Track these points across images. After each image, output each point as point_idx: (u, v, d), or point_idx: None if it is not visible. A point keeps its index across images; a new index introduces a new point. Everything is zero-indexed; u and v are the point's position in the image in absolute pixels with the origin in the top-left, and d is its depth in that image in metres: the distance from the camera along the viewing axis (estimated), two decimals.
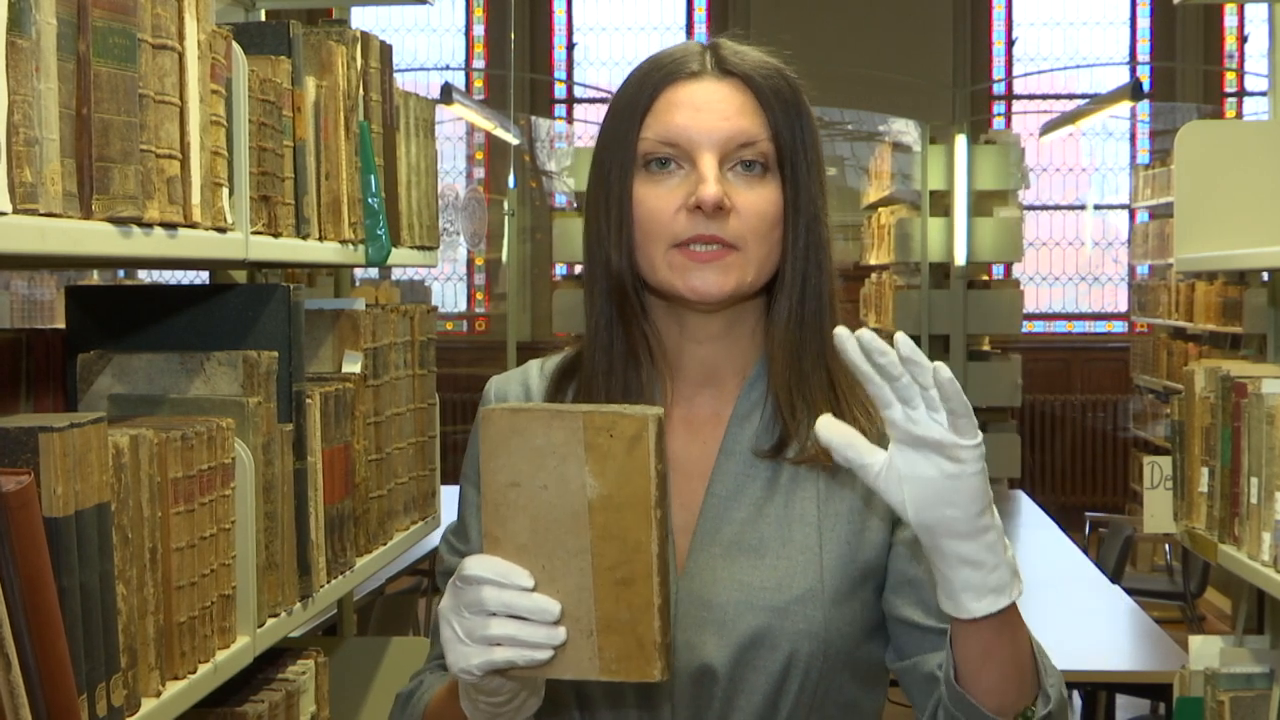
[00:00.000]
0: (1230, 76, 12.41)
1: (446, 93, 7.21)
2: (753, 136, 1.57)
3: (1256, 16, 11.71)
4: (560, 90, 12.79)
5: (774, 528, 1.59)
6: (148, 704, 1.57)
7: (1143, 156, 12.18)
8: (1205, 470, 2.99)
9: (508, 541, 1.36)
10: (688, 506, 1.62)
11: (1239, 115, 12.19)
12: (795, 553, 1.57)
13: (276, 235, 2.03)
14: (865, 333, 1.33)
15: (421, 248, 2.75)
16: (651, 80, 1.60)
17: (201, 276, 2.81)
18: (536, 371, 1.73)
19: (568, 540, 1.35)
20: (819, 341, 1.60)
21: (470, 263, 12.37)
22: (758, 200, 1.57)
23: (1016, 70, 12.29)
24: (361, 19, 12.90)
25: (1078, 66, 12.15)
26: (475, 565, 1.35)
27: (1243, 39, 12.21)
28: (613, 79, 12.27)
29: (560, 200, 11.61)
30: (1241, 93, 12.47)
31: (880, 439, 1.42)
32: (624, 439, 1.34)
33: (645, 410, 1.35)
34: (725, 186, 1.56)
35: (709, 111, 1.57)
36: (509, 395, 1.73)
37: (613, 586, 1.34)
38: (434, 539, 3.36)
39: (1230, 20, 12.18)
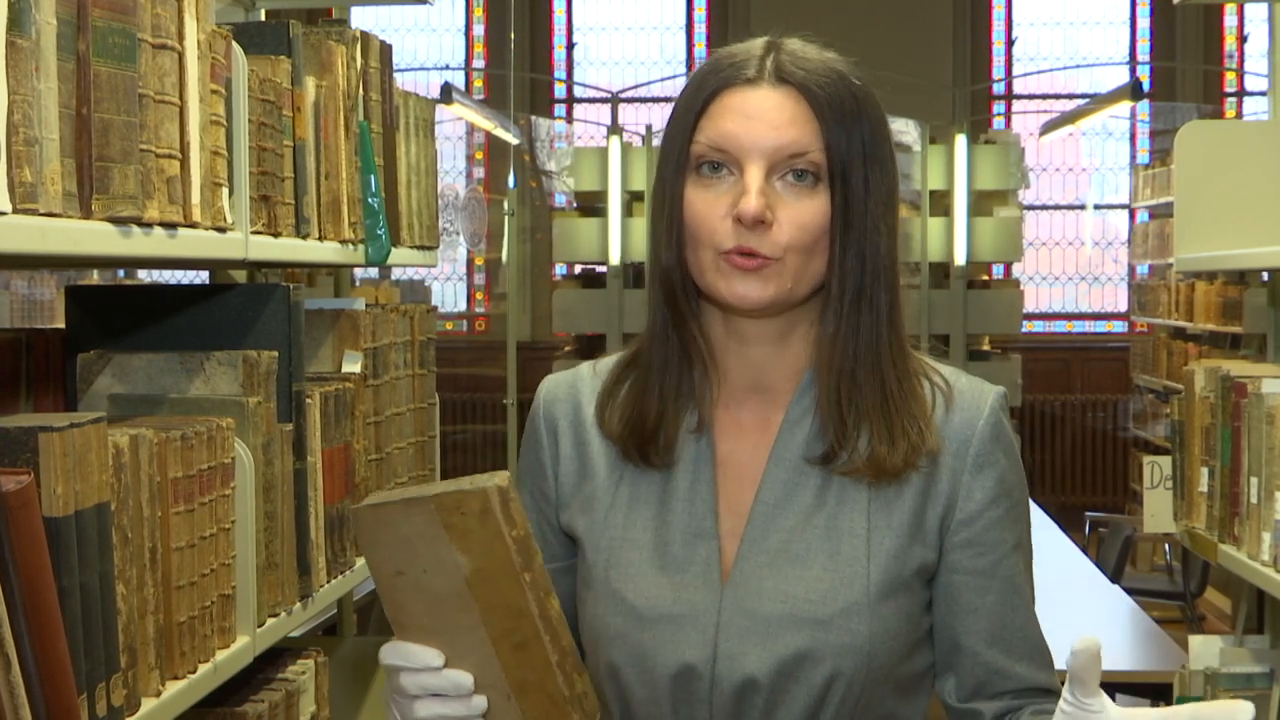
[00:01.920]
0: (1230, 76, 12.40)
1: (446, 92, 7.21)
2: (803, 147, 1.55)
3: (1256, 16, 11.70)
4: (560, 90, 12.78)
5: (821, 538, 1.57)
6: (148, 704, 1.57)
7: (1142, 156, 12.18)
8: (1205, 470, 2.99)
9: (412, 625, 1.42)
10: (736, 511, 1.60)
11: (1239, 115, 12.18)
12: (842, 565, 1.56)
13: (276, 235, 2.03)
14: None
15: (421, 247, 2.75)
16: (710, 83, 1.59)
17: (201, 276, 2.81)
18: (589, 372, 1.72)
19: (461, 616, 1.40)
20: (874, 353, 1.59)
21: (470, 262, 12.36)
22: (801, 212, 1.55)
23: (1016, 70, 12.28)
24: (361, 19, 12.89)
25: (1078, 66, 12.15)
26: (388, 654, 1.42)
27: (1242, 39, 12.21)
28: (613, 79, 12.27)
29: (560, 200, 11.60)
30: (1241, 93, 12.47)
31: (930, 457, 1.57)
32: (474, 514, 1.37)
33: (488, 481, 1.38)
34: (771, 197, 1.55)
35: (760, 120, 1.56)
36: (557, 399, 1.71)
37: (512, 651, 1.39)
38: None
39: (1230, 20, 12.17)
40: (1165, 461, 3.35)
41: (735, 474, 1.62)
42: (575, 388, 1.71)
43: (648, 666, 1.56)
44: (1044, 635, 1.67)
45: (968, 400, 1.62)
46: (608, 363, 1.72)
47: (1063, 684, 1.42)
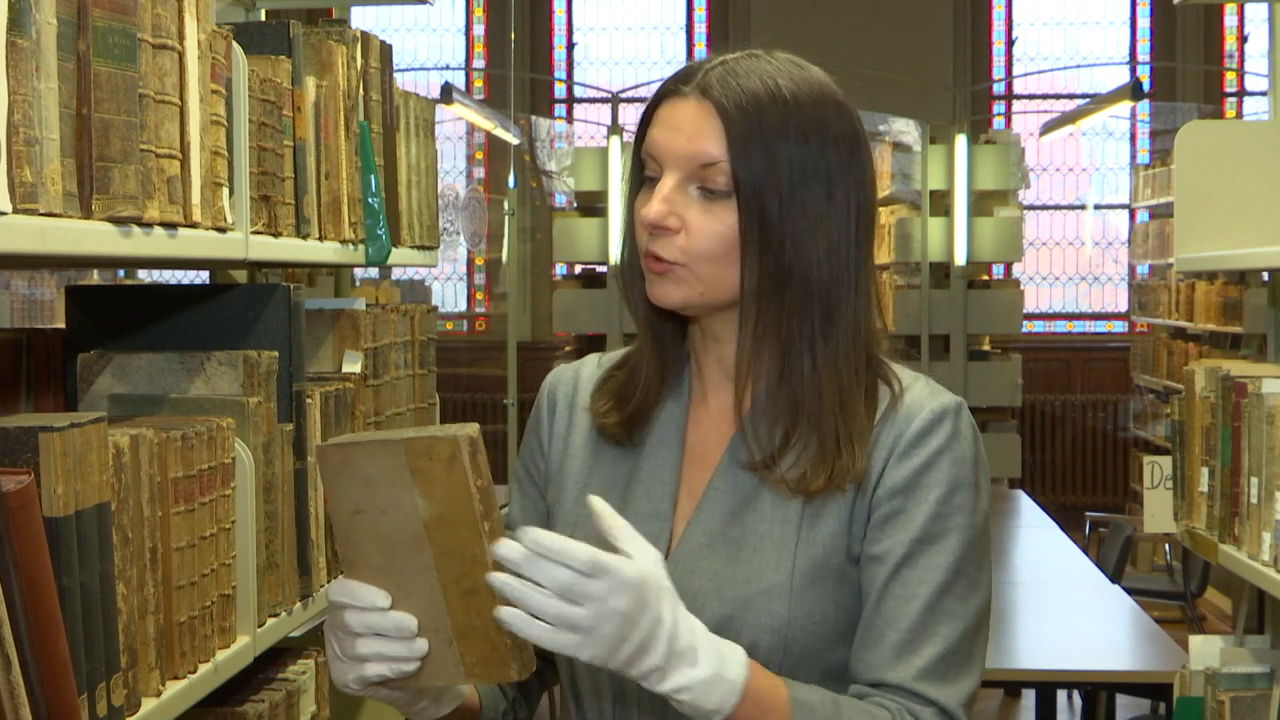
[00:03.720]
0: (1230, 76, 12.40)
1: (446, 92, 7.21)
2: (712, 158, 1.59)
3: (1257, 16, 11.71)
4: (560, 90, 12.78)
5: (758, 523, 1.62)
6: (148, 704, 1.57)
7: (1143, 156, 12.18)
8: (1205, 470, 2.99)
9: (363, 564, 1.45)
10: (693, 496, 1.67)
11: (1239, 115, 12.19)
12: (770, 548, 1.60)
13: (276, 235, 2.03)
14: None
15: (421, 247, 2.75)
16: (658, 93, 1.66)
17: (201, 276, 2.80)
18: (594, 363, 1.80)
19: (414, 558, 1.43)
20: (803, 369, 1.61)
21: (470, 262, 12.36)
22: (708, 222, 1.60)
23: (1017, 70, 12.28)
24: (361, 19, 12.89)
25: (1078, 66, 12.15)
26: (336, 591, 1.46)
27: (1243, 39, 12.21)
28: (613, 79, 12.27)
29: (560, 200, 11.60)
30: (1242, 92, 12.47)
31: (861, 476, 1.58)
32: (442, 461, 1.40)
33: (459, 431, 1.41)
34: (681, 204, 1.60)
35: (678, 130, 1.61)
36: (560, 382, 1.80)
37: (461, 597, 1.42)
38: None
39: (1230, 20, 12.17)
40: (1165, 461, 3.35)
41: (700, 460, 1.68)
42: (578, 374, 1.80)
43: None
44: (949, 652, 1.59)
45: (913, 401, 1.63)
46: (613, 355, 1.79)
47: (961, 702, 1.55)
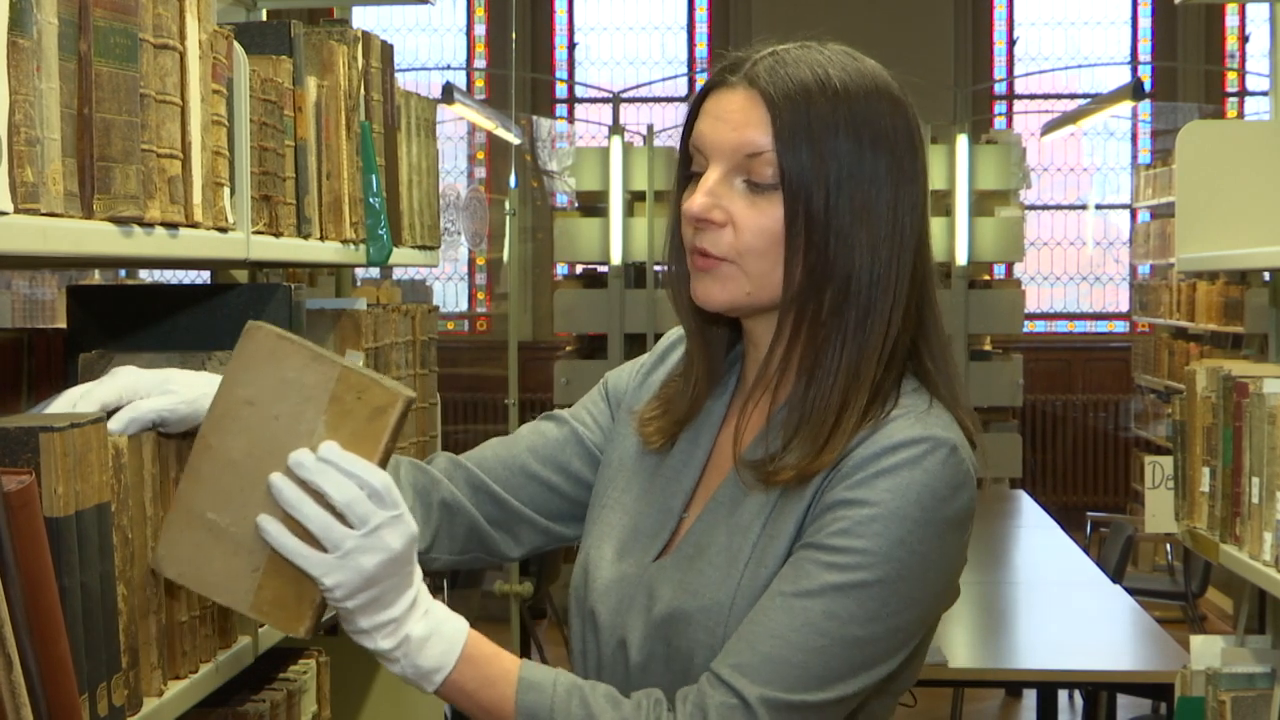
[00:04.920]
0: (1231, 76, 12.40)
1: (448, 92, 7.21)
2: (758, 148, 1.54)
3: (1258, 16, 11.70)
4: (561, 90, 12.78)
5: (724, 535, 1.59)
6: (149, 704, 1.56)
7: (1144, 156, 12.17)
8: (1206, 470, 2.99)
9: (220, 452, 1.41)
10: (703, 500, 1.65)
11: (1240, 115, 12.18)
12: (725, 564, 1.57)
13: (278, 235, 2.03)
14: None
15: (423, 247, 2.75)
16: (706, 85, 1.62)
17: (203, 276, 2.80)
18: (652, 355, 1.81)
19: (271, 474, 1.39)
20: (827, 371, 1.56)
21: (471, 262, 12.36)
22: (754, 216, 1.55)
23: (1018, 70, 12.28)
24: (363, 19, 12.89)
25: (1079, 66, 12.14)
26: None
27: (1244, 39, 12.20)
28: (614, 79, 12.27)
29: (561, 200, 11.60)
30: (1243, 92, 12.46)
31: (804, 478, 1.53)
32: (369, 406, 1.37)
33: (400, 389, 1.39)
34: (727, 198, 1.55)
35: (724, 121, 1.57)
36: (674, 346, 1.78)
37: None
38: None
39: (1231, 20, 12.17)
40: (1167, 461, 3.34)
41: (722, 465, 1.65)
42: (642, 361, 1.81)
43: (581, 614, 1.67)
44: (793, 663, 1.49)
45: (893, 428, 1.53)
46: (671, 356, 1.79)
47: (810, 698, 1.48)
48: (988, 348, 8.93)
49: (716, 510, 1.61)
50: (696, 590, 1.57)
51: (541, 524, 1.77)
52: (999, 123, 12.40)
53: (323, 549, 1.40)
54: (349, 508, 1.39)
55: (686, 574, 1.59)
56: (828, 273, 1.55)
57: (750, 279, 1.56)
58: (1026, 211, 10.51)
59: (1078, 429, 11.60)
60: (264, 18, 2.91)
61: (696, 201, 1.55)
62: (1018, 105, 12.70)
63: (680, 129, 1.65)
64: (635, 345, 7.86)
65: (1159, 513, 3.38)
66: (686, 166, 1.62)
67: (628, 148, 8.15)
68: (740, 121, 1.56)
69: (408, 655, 1.46)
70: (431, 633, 1.46)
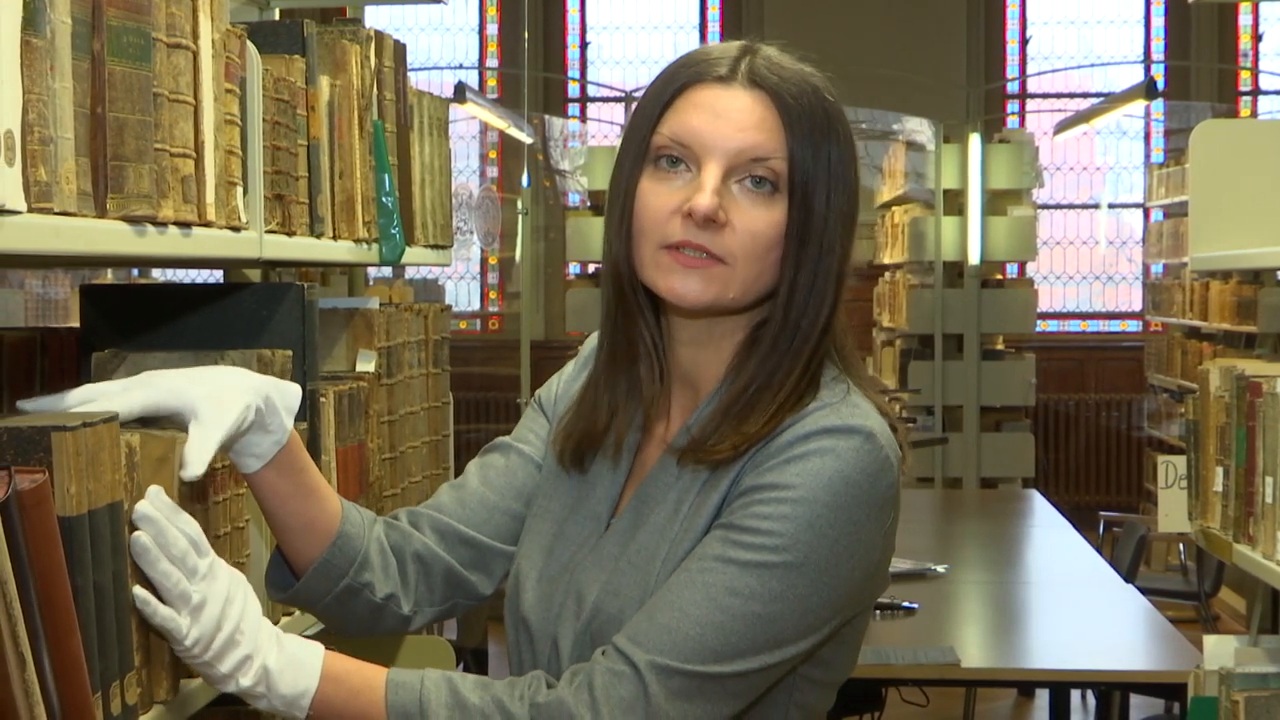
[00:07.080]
0: (1245, 75, 12.37)
1: (460, 92, 7.22)
2: (767, 152, 1.54)
3: (1271, 15, 11.68)
4: (574, 89, 12.79)
5: (645, 534, 1.60)
6: (161, 702, 1.57)
7: (1157, 155, 12.15)
8: (1220, 469, 2.98)
9: None
10: (629, 494, 1.66)
11: (1254, 114, 12.16)
12: (643, 561, 1.58)
13: (290, 234, 2.03)
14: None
15: (435, 246, 2.75)
16: (681, 76, 1.59)
17: (215, 275, 2.81)
18: (575, 363, 1.80)
19: None
20: (787, 367, 1.58)
21: (484, 262, 12.37)
22: (757, 220, 1.55)
23: (1030, 69, 12.26)
24: (375, 18, 12.91)
25: (1092, 65, 12.13)
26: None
27: (1257, 37, 12.17)
28: (626, 78, 12.26)
29: (574, 199, 11.61)
30: (1256, 91, 12.44)
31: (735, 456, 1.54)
32: (151, 459, 1.44)
33: (177, 435, 1.45)
34: (726, 200, 1.54)
35: (727, 119, 1.55)
36: (554, 383, 1.80)
37: None
38: None
39: (1245, 19, 12.14)
40: (1180, 461, 3.34)
41: (646, 463, 1.66)
42: (561, 376, 1.80)
43: (515, 622, 1.67)
44: (690, 635, 1.49)
45: (812, 418, 1.54)
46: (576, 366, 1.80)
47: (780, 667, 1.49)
48: (1000, 347, 8.93)
49: (640, 509, 1.62)
50: (618, 590, 1.57)
51: (512, 552, 1.74)
52: (1012, 122, 12.39)
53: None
54: (183, 559, 1.42)
55: (611, 575, 1.59)
56: (811, 277, 1.56)
57: (740, 282, 1.56)
58: (1039, 211, 10.50)
59: (1090, 428, 11.59)
60: (277, 17, 2.91)
61: (707, 200, 1.53)
62: (1030, 104, 12.69)
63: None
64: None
65: (1172, 512, 3.38)
66: (643, 157, 1.58)
67: None
68: (747, 123, 1.55)
69: (271, 687, 1.46)
70: (288, 660, 1.47)
